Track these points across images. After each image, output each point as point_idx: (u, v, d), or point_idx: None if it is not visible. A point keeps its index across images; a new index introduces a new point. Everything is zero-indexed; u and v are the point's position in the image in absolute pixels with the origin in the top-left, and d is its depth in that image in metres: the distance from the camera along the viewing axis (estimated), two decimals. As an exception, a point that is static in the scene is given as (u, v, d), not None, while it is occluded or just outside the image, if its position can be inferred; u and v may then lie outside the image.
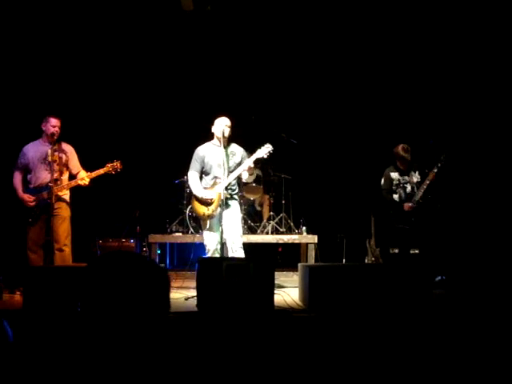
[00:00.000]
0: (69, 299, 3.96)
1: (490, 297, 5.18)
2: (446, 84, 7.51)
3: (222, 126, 5.31)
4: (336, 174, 8.05)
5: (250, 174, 5.86)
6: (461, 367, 3.41)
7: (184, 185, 7.28)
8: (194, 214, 6.27)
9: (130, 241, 7.08)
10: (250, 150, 5.65)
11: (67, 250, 5.35)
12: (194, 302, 4.70)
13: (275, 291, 4.69)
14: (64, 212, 5.38)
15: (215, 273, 4.37)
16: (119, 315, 1.22)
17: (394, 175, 6.04)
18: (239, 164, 5.38)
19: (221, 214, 5.23)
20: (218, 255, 5.26)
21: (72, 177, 5.51)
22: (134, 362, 1.22)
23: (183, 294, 5.28)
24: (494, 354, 3.50)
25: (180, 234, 7.30)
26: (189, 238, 7.14)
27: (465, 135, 7.21)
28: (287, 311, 4.54)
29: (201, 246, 5.76)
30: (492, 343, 3.68)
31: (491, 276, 5.92)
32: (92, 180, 5.41)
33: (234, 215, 5.35)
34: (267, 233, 7.47)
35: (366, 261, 7.20)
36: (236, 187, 5.51)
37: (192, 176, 5.43)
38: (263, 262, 4.54)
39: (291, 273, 6.83)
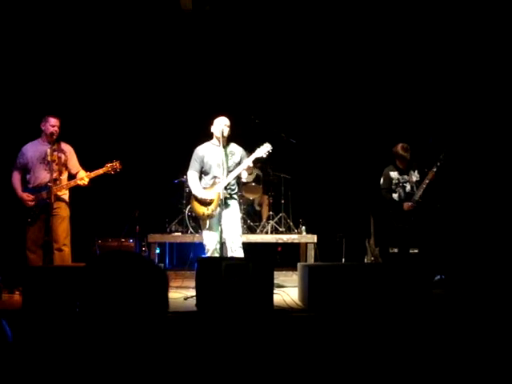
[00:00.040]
0: (68, 299, 3.96)
1: (489, 296, 5.18)
2: (445, 83, 7.51)
3: (221, 125, 5.32)
4: (335, 173, 8.04)
5: (249, 174, 5.85)
6: (460, 366, 3.41)
7: (183, 184, 7.29)
8: (194, 214, 6.27)
9: (129, 240, 7.08)
10: (250, 150, 5.65)
11: (66, 249, 5.34)
12: (193, 301, 4.70)
13: (274, 291, 4.69)
14: (63, 212, 5.38)
15: (214, 272, 4.37)
16: (118, 315, 1.22)
17: (394, 174, 6.04)
18: (238, 164, 5.38)
19: (220, 213, 5.23)
20: (217, 255, 5.26)
21: (71, 177, 5.51)
22: (133, 361, 1.22)
23: (182, 293, 5.28)
24: (494, 354, 3.50)
25: (179, 233, 7.30)
26: (188, 238, 7.14)
27: (464, 134, 7.20)
28: (286, 311, 4.54)
29: (200, 246, 5.76)
30: (492, 342, 3.69)
31: (491, 275, 5.92)
32: (91, 180, 5.41)
33: (233, 215, 5.35)
34: (266, 232, 7.47)
35: (366, 260, 7.19)
36: (235, 187, 5.52)
37: (191, 176, 5.43)
38: (262, 262, 4.54)
39: (291, 272, 6.83)
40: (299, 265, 5.32)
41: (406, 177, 6.02)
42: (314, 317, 4.31)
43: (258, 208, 8.15)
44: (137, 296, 1.24)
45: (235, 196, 5.50)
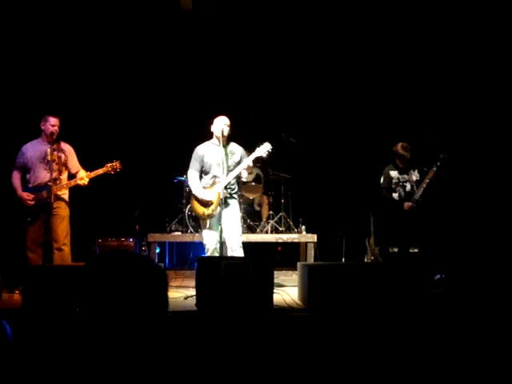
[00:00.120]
0: (68, 298, 3.96)
1: (489, 295, 5.18)
2: (445, 82, 7.50)
3: (221, 125, 5.32)
4: (335, 172, 8.05)
5: (249, 173, 5.86)
6: (460, 366, 3.41)
7: (183, 184, 7.29)
8: (194, 214, 6.28)
9: (129, 240, 7.08)
10: (250, 149, 5.66)
11: (66, 249, 5.34)
12: (193, 301, 4.70)
13: (274, 290, 4.69)
14: (63, 211, 5.38)
15: (214, 272, 4.37)
16: (118, 314, 1.22)
17: (394, 174, 6.04)
18: (238, 163, 5.38)
19: (220, 213, 5.24)
20: (217, 254, 5.26)
21: (71, 176, 5.50)
22: (132, 361, 1.22)
23: (182, 293, 5.27)
24: (494, 353, 3.50)
25: (179, 233, 7.31)
26: (188, 237, 7.14)
27: (464, 133, 7.20)
28: (286, 310, 4.54)
29: (200, 245, 5.76)
30: (491, 342, 3.69)
31: (491, 275, 5.92)
32: (91, 179, 5.41)
33: (233, 214, 5.35)
34: (266, 232, 7.47)
35: (366, 260, 7.19)
36: (235, 186, 5.52)
37: (191, 175, 5.43)
38: (262, 261, 4.54)
39: (290, 272, 6.84)
40: (299, 264, 5.32)
41: (405, 176, 6.02)
42: (314, 316, 4.31)
43: (257, 208, 8.16)
44: (136, 295, 1.24)
45: (235, 195, 5.50)
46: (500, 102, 7.08)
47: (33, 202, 5.27)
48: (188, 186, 6.07)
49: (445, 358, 3.49)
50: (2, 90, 6.71)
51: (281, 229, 7.54)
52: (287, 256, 7.91)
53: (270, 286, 4.50)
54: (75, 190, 5.54)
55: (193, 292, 4.87)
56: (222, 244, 5.31)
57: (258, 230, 7.53)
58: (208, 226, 5.32)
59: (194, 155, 5.45)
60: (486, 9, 6.64)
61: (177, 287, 5.74)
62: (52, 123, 5.35)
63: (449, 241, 6.72)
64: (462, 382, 3.28)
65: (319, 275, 4.65)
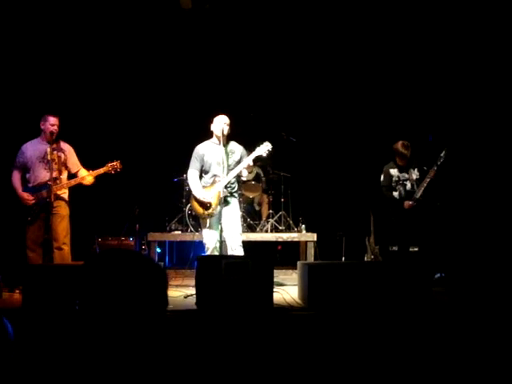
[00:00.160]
0: (68, 297, 3.96)
1: (489, 294, 5.18)
2: (445, 81, 7.50)
3: (221, 124, 5.32)
4: (335, 171, 8.05)
5: (249, 172, 5.86)
6: (460, 365, 3.41)
7: (183, 183, 7.29)
8: (194, 213, 6.27)
9: (129, 239, 7.08)
10: (250, 149, 5.66)
11: (66, 248, 5.35)
12: (193, 300, 4.70)
13: (274, 289, 4.70)
14: (63, 210, 5.38)
15: (214, 271, 4.37)
16: (117, 313, 1.22)
17: (394, 172, 6.04)
18: (239, 162, 5.38)
19: (220, 212, 5.24)
20: (217, 253, 5.27)
21: (71, 176, 5.50)
22: (132, 360, 1.22)
23: (182, 292, 5.28)
24: (494, 352, 3.50)
25: (179, 232, 7.31)
26: (188, 237, 7.14)
27: (464, 132, 7.20)
28: (286, 309, 4.55)
29: (200, 245, 5.77)
30: (492, 341, 3.69)
31: (491, 274, 5.92)
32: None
33: (233, 213, 5.35)
34: (266, 231, 7.48)
35: (366, 258, 7.20)
36: (235, 185, 5.52)
37: (191, 175, 5.43)
38: (262, 260, 4.54)
39: (290, 271, 6.84)
40: (299, 263, 5.33)
41: (405, 174, 6.01)
42: (314, 315, 4.32)
43: (257, 208, 8.17)
44: (136, 294, 1.24)
45: (235, 194, 5.50)
46: (500, 101, 7.08)
47: (33, 202, 5.27)
48: (188, 185, 6.07)
49: (445, 357, 3.49)
50: (1, 89, 6.70)
51: (281, 228, 7.54)
52: (287, 255, 7.92)
53: (269, 285, 4.51)
54: (75, 190, 5.54)
55: (193, 291, 4.87)
56: (222, 243, 5.32)
57: (257, 229, 7.53)
58: (208, 225, 5.32)
59: (194, 154, 5.45)
60: (485, 8, 6.64)
61: (177, 286, 5.74)
62: (52, 123, 5.35)
63: (449, 240, 6.72)
64: (462, 381, 3.28)
65: (319, 274, 4.65)
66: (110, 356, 1.21)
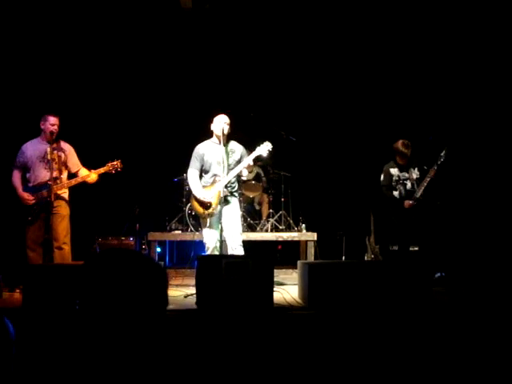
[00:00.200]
0: (68, 297, 3.97)
1: (489, 294, 5.18)
2: (445, 80, 7.50)
3: (221, 123, 5.32)
4: (335, 171, 8.05)
5: (249, 172, 5.86)
6: (460, 364, 3.41)
7: (183, 183, 7.29)
8: (194, 212, 6.28)
9: (129, 239, 7.08)
10: (250, 148, 5.67)
11: (66, 248, 5.35)
12: (193, 299, 4.70)
13: (274, 288, 4.70)
14: (63, 210, 5.38)
15: (214, 270, 4.37)
16: (117, 312, 1.22)
17: (394, 171, 6.03)
18: (239, 161, 5.38)
19: (220, 211, 5.25)
20: (217, 253, 5.27)
21: (71, 175, 5.51)
22: (132, 359, 1.22)
23: (183, 291, 5.28)
24: (494, 351, 3.50)
25: (179, 231, 7.31)
26: (188, 236, 7.14)
27: (464, 132, 7.20)
28: (286, 308, 4.54)
29: (200, 244, 5.77)
30: (492, 341, 3.69)
31: (491, 273, 5.92)
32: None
33: (233, 213, 5.35)
34: (266, 230, 7.48)
35: (366, 258, 7.20)
36: (236, 184, 5.52)
37: (191, 174, 5.43)
38: (262, 260, 4.54)
39: (291, 270, 6.84)
40: (299, 262, 5.32)
41: (406, 174, 6.01)
42: (314, 314, 4.32)
43: (257, 207, 8.17)
44: (136, 294, 1.24)
45: (235, 194, 5.50)
46: (500, 101, 7.08)
47: (33, 202, 5.27)
48: (188, 185, 6.07)
49: (445, 356, 3.49)
50: (1, 89, 6.70)
51: (281, 227, 7.54)
52: (287, 254, 7.92)
53: (270, 285, 4.51)
54: (75, 189, 5.55)
55: (193, 290, 4.88)
56: (223, 242, 5.32)
57: (258, 229, 7.53)
58: (208, 224, 5.32)
59: (194, 154, 5.45)
60: (486, 8, 6.64)
61: (177, 286, 5.74)
62: (52, 122, 5.35)
63: (449, 239, 6.72)
64: (462, 381, 3.28)
65: (319, 273, 4.65)
66: (111, 356, 1.21)
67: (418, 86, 7.65)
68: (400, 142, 5.96)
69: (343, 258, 7.44)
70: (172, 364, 1.39)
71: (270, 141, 5.48)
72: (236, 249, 5.26)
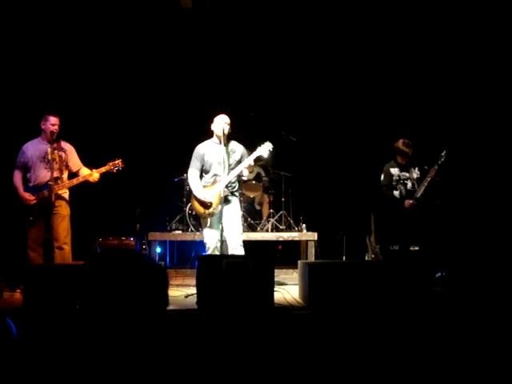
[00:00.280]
0: (68, 297, 3.97)
1: (490, 294, 5.18)
2: (445, 80, 7.50)
3: (221, 123, 5.32)
4: (335, 170, 8.05)
5: (249, 172, 5.86)
6: (461, 364, 3.41)
7: (184, 183, 7.29)
8: (194, 212, 6.28)
9: (129, 239, 7.08)
10: (250, 148, 5.67)
11: (67, 248, 5.35)
12: (194, 299, 4.70)
13: (275, 288, 4.70)
14: (64, 210, 5.38)
15: (215, 270, 4.37)
16: (117, 313, 1.22)
17: (394, 171, 6.03)
18: (239, 161, 5.39)
19: (221, 211, 5.25)
20: (218, 253, 5.27)
21: (72, 175, 5.51)
22: (132, 359, 1.22)
23: (183, 291, 5.28)
24: (494, 351, 3.50)
25: (180, 231, 7.31)
26: (189, 236, 7.14)
27: (465, 132, 7.20)
28: (287, 308, 4.54)
29: (201, 244, 5.77)
30: (492, 341, 3.69)
31: (491, 273, 5.92)
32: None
33: (234, 213, 5.35)
34: (267, 230, 7.47)
35: (366, 258, 7.20)
36: (236, 184, 5.52)
37: (192, 174, 5.43)
38: (263, 260, 4.54)
39: (291, 270, 6.84)
40: (300, 262, 5.32)
41: (406, 173, 6.01)
42: (315, 314, 4.32)
43: (258, 207, 8.17)
44: (136, 294, 1.24)
45: (236, 194, 5.51)
46: (501, 101, 7.08)
47: (34, 202, 5.27)
48: (188, 185, 6.07)
49: (445, 356, 3.49)
50: (2, 89, 6.70)
51: (281, 227, 7.54)
52: (288, 254, 7.91)
53: (270, 285, 4.51)
54: (76, 189, 5.55)
55: (193, 290, 4.88)
56: (223, 242, 5.32)
57: (258, 229, 7.53)
58: (209, 224, 5.32)
59: (195, 154, 5.45)
60: (486, 8, 6.63)
61: (177, 286, 5.74)
62: (52, 122, 5.35)
63: (449, 239, 6.72)
64: (462, 381, 3.28)
65: (320, 273, 4.65)
66: (111, 356, 1.21)
67: (418, 85, 7.65)
68: (401, 141, 5.96)
69: (344, 257, 7.44)
70: (173, 364, 1.38)
71: (270, 141, 5.48)
72: (236, 249, 5.26)
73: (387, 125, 7.63)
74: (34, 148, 5.40)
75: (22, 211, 5.33)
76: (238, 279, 4.35)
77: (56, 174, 5.31)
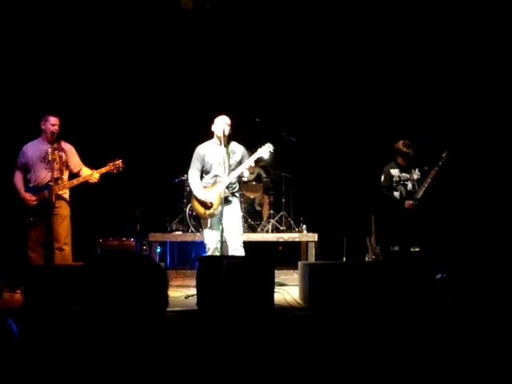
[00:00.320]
0: (69, 298, 3.96)
1: (490, 295, 5.18)
2: (446, 81, 7.50)
3: (222, 124, 5.32)
4: (336, 171, 8.05)
5: (250, 173, 5.87)
6: (461, 365, 3.41)
7: (184, 183, 7.28)
8: (194, 213, 6.28)
9: (130, 239, 7.08)
10: (250, 149, 5.66)
11: (67, 248, 5.35)
12: (194, 300, 4.70)
13: (275, 289, 4.69)
14: (64, 211, 5.38)
15: (215, 271, 4.37)
16: (117, 313, 1.22)
17: (394, 172, 6.03)
18: (240, 162, 5.39)
19: (221, 212, 5.24)
20: (218, 254, 5.27)
21: (73, 175, 5.51)
22: (132, 360, 1.22)
23: (183, 292, 5.28)
24: (495, 352, 3.50)
25: (180, 232, 7.31)
26: (189, 237, 7.14)
27: (465, 132, 7.19)
28: (287, 309, 4.54)
29: (201, 245, 5.77)
30: (493, 341, 3.68)
31: (492, 274, 5.92)
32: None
33: (234, 214, 5.35)
34: (267, 231, 7.47)
35: (367, 259, 7.19)
36: (236, 185, 5.52)
37: (192, 175, 5.43)
38: (263, 260, 4.54)
39: (291, 271, 6.84)
40: (300, 263, 5.32)
41: (406, 174, 6.00)
42: (315, 315, 4.31)
43: (258, 208, 8.17)
44: (136, 294, 1.24)
45: (236, 194, 5.51)
46: (501, 102, 7.07)
47: (35, 202, 5.27)
48: (189, 186, 6.07)
49: (446, 357, 3.49)
50: (2, 89, 6.70)
51: (282, 228, 7.54)
52: (288, 255, 7.91)
53: (270, 285, 4.50)
54: (76, 190, 5.54)
55: (194, 291, 4.87)
56: (223, 243, 5.32)
57: (258, 230, 7.53)
58: (209, 225, 5.32)
59: (195, 155, 5.45)
60: (486, 8, 6.63)
61: (178, 286, 5.74)
62: (52, 123, 5.35)
63: (450, 240, 6.72)
64: (462, 381, 3.28)
65: (320, 274, 4.65)
66: (111, 356, 1.21)
67: (418, 86, 7.65)
68: (401, 142, 5.95)
69: (344, 258, 7.43)
70: (173, 365, 1.38)
71: (270, 142, 5.48)
72: (237, 249, 5.26)
73: (387, 126, 7.63)
74: (34, 148, 5.40)
75: (22, 212, 5.32)
76: (238, 280, 4.35)
77: (56, 175, 5.30)
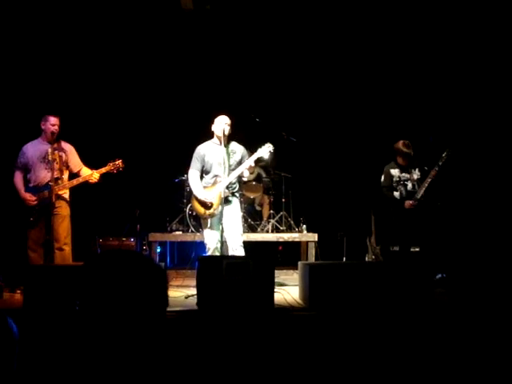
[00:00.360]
0: (69, 298, 3.96)
1: (490, 295, 5.18)
2: (446, 81, 7.50)
3: (222, 124, 5.32)
4: (336, 171, 8.04)
5: (250, 173, 5.87)
6: (461, 365, 3.41)
7: (184, 183, 7.28)
8: (194, 213, 6.28)
9: (130, 239, 7.08)
10: (250, 149, 5.66)
11: (67, 248, 5.35)
12: (194, 300, 4.70)
13: (275, 289, 4.69)
14: (64, 211, 5.38)
15: (215, 271, 4.37)
16: (117, 313, 1.22)
17: (394, 172, 6.02)
18: (240, 162, 5.39)
19: (221, 212, 5.24)
20: (218, 254, 5.26)
21: (73, 175, 5.51)
22: (132, 360, 1.22)
23: (183, 292, 5.28)
24: (495, 352, 3.50)
25: (180, 232, 7.31)
26: (189, 237, 7.14)
27: (465, 132, 7.19)
28: (287, 309, 4.54)
29: (201, 245, 5.76)
30: (492, 341, 3.68)
31: (492, 274, 5.92)
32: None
33: (234, 214, 5.35)
34: (267, 231, 7.47)
35: (367, 259, 7.19)
36: (236, 185, 5.52)
37: (192, 175, 5.43)
38: (263, 261, 4.54)
39: (291, 271, 6.84)
40: (300, 263, 5.32)
41: (406, 174, 6.00)
42: (315, 315, 4.31)
43: (258, 208, 8.17)
44: (136, 295, 1.24)
45: (236, 194, 5.51)
46: (501, 102, 7.07)
47: (35, 202, 5.27)
48: (189, 186, 6.07)
49: (446, 357, 3.49)
50: (2, 90, 6.71)
51: (282, 228, 7.54)
52: (288, 255, 7.91)
53: (270, 285, 4.50)
54: (76, 190, 5.54)
55: (194, 291, 4.87)
56: (223, 243, 5.32)
57: (258, 230, 7.53)
58: (209, 225, 5.32)
59: (195, 155, 5.45)
60: (486, 8, 6.63)
61: (178, 286, 5.75)
62: (52, 123, 5.35)
63: (450, 240, 6.72)
64: (462, 382, 3.28)
65: (320, 274, 4.65)
66: (111, 356, 1.21)
67: (418, 86, 7.65)
68: (401, 142, 5.95)
69: (344, 258, 7.43)
70: (172, 365, 1.38)
71: (270, 142, 5.48)
72: (237, 249, 5.26)
73: (387, 126, 7.63)
74: (34, 148, 5.40)
75: (22, 212, 5.32)
76: (238, 280, 4.35)
77: (56, 175, 5.30)
